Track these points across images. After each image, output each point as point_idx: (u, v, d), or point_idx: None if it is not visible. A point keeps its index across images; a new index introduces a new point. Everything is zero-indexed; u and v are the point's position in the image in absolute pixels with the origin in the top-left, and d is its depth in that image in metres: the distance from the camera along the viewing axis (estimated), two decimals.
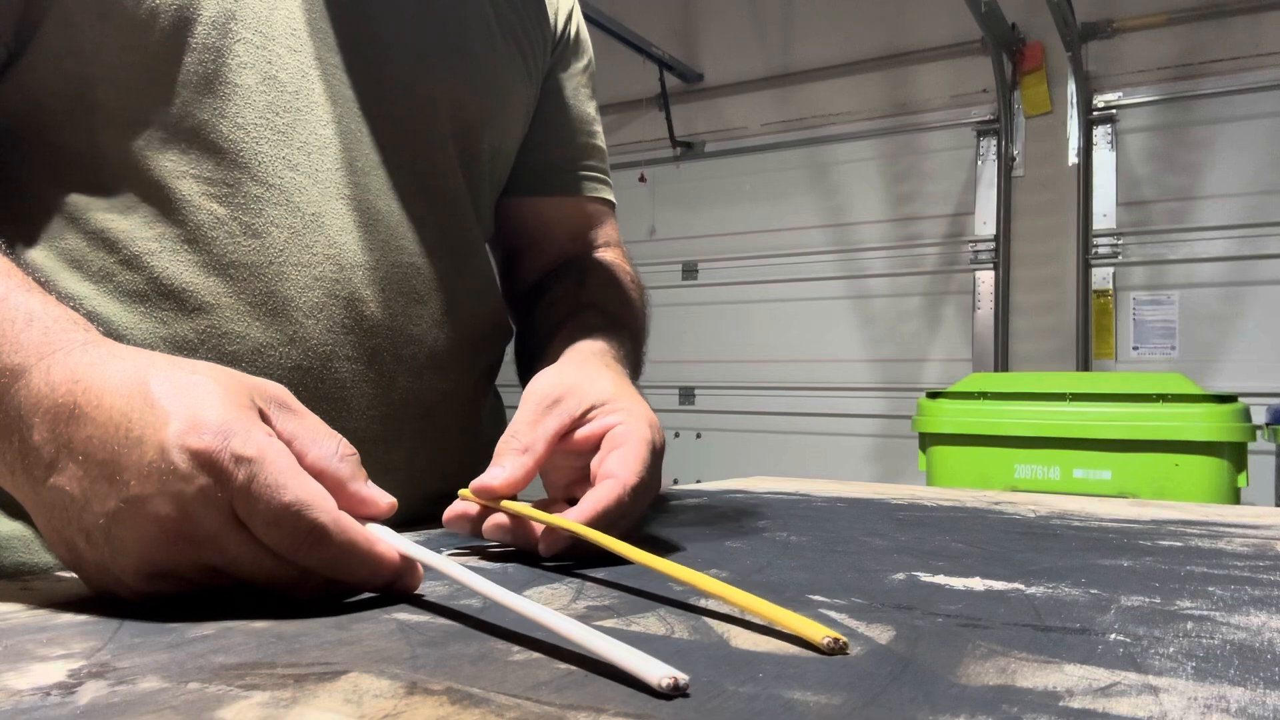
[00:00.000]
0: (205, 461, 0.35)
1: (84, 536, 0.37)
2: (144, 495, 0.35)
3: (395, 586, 0.40)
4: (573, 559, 0.48)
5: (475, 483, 0.49)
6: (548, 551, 0.48)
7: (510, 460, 0.50)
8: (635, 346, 0.73)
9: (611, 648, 0.29)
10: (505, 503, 0.49)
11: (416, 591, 0.41)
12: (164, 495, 0.35)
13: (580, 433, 0.54)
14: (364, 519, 0.41)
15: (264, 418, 0.39)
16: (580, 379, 0.56)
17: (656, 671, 0.27)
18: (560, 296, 0.78)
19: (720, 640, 0.34)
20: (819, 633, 0.32)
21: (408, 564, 0.40)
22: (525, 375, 0.77)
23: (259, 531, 0.36)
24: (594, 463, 0.53)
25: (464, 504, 0.51)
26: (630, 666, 0.28)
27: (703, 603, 0.39)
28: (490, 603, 0.39)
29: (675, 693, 0.27)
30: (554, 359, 0.65)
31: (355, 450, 0.42)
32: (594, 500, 0.48)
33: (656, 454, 0.54)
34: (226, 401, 0.37)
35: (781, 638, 0.34)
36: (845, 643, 0.32)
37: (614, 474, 0.50)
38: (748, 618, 0.36)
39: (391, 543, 0.40)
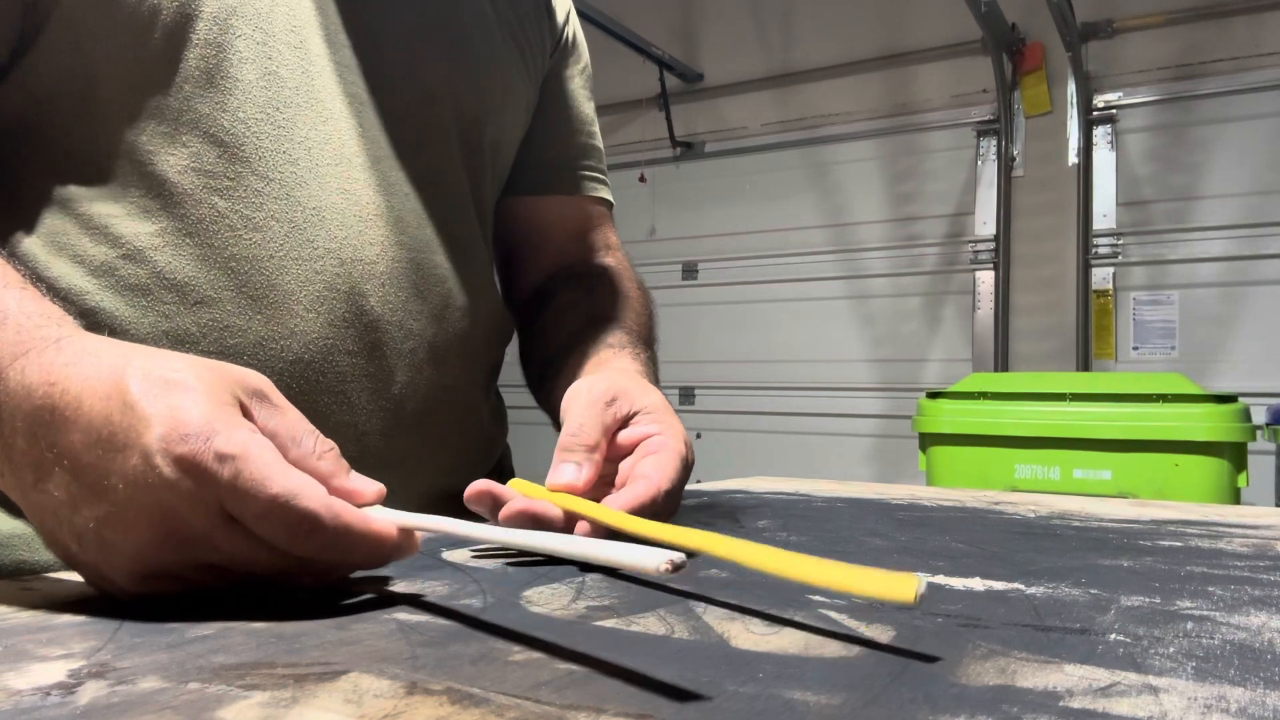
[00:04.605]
0: (189, 466, 0.35)
1: (75, 539, 0.37)
2: (132, 501, 0.35)
3: (394, 558, 0.40)
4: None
5: (556, 483, 0.50)
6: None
7: (585, 458, 0.51)
8: (654, 359, 0.74)
9: (604, 548, 0.31)
10: (553, 494, 0.49)
11: (416, 591, 0.41)
12: (152, 501, 0.35)
13: (622, 435, 0.55)
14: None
15: (245, 412, 0.39)
16: (631, 386, 0.58)
17: (653, 559, 0.28)
18: (570, 304, 0.78)
19: (720, 640, 0.34)
20: (909, 588, 0.30)
21: (405, 536, 0.39)
22: (537, 382, 0.77)
23: (252, 525, 0.36)
24: (624, 464, 0.54)
25: (487, 483, 0.50)
26: (626, 560, 0.30)
27: (703, 602, 0.39)
28: (491, 600, 0.39)
29: (676, 570, 0.28)
30: (575, 370, 0.65)
31: (334, 445, 0.41)
32: (628, 498, 0.49)
33: (687, 468, 0.55)
34: (208, 399, 0.37)
35: (800, 627, 0.34)
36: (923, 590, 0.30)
37: (647, 476, 0.51)
38: (823, 589, 0.35)
39: (387, 518, 0.40)
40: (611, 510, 0.46)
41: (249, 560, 0.37)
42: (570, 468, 0.50)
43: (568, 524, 0.49)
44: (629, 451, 0.55)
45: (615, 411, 0.55)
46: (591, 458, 0.51)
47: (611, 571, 0.46)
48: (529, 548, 0.33)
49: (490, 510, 0.50)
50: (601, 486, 0.54)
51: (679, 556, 0.27)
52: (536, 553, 0.33)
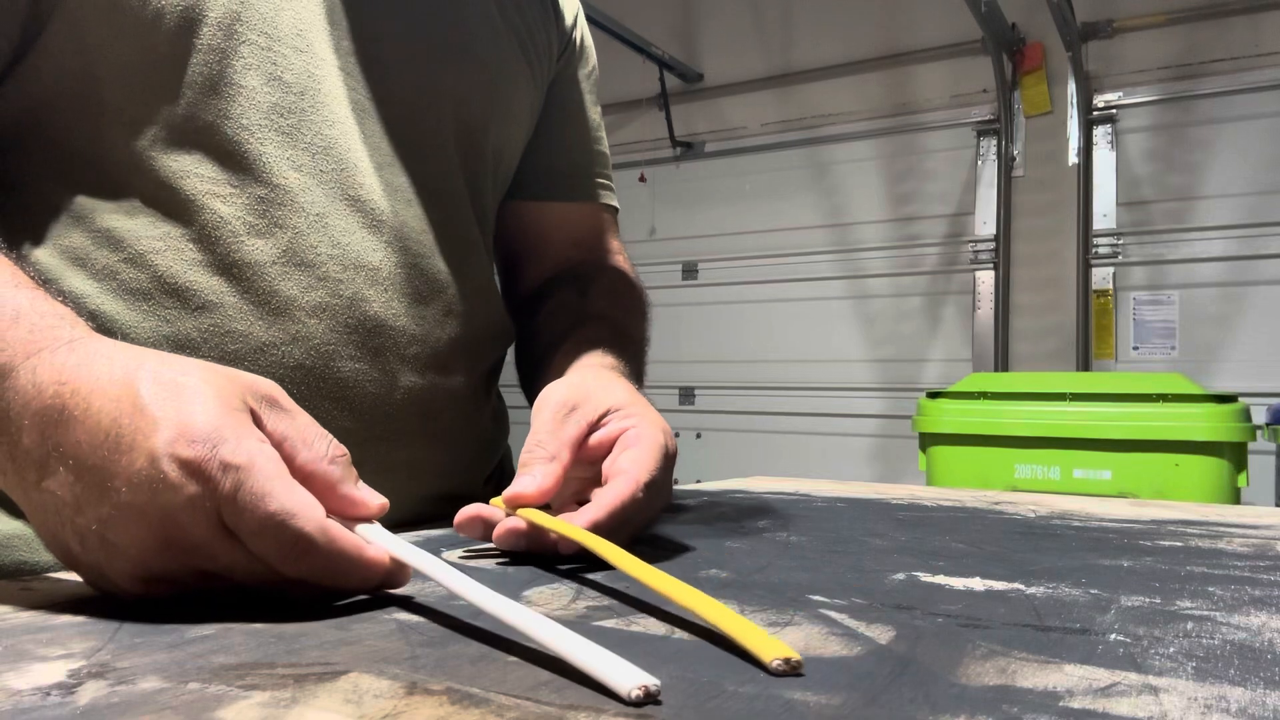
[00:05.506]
0: (194, 471, 0.35)
1: (78, 540, 0.37)
2: (135, 504, 0.35)
3: (386, 586, 0.40)
4: (591, 560, 0.48)
5: (507, 493, 0.49)
6: (567, 550, 0.47)
7: (541, 469, 0.50)
8: (639, 358, 0.73)
9: (582, 653, 0.28)
10: (521, 510, 0.49)
11: (416, 591, 0.41)
12: (154, 504, 0.35)
13: (594, 438, 0.54)
14: (355, 520, 0.41)
15: (256, 418, 0.39)
16: (595, 387, 0.57)
17: (627, 681, 0.26)
18: (562, 305, 0.77)
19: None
20: (773, 651, 0.30)
21: (397, 565, 0.39)
22: (528, 383, 0.77)
23: (246, 540, 0.36)
24: (606, 464, 0.53)
25: (476, 507, 0.51)
26: (600, 674, 0.27)
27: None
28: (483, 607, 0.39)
29: (647, 700, 0.26)
30: (559, 371, 0.65)
31: (346, 451, 0.41)
32: (608, 496, 0.48)
33: (669, 457, 0.54)
34: (217, 405, 0.37)
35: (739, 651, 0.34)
36: (799, 662, 0.29)
37: (626, 470, 0.50)
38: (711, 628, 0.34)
39: (382, 544, 0.39)
40: (570, 525, 0.45)
41: (246, 572, 0.37)
42: (525, 479, 0.49)
43: (535, 535, 0.48)
44: (608, 450, 0.53)
45: (579, 419, 0.53)
46: (549, 468, 0.50)
47: (612, 572, 0.46)
48: (516, 628, 0.31)
49: (483, 534, 0.50)
50: (584, 489, 0.54)
51: (654, 684, 0.26)
52: (522, 636, 0.31)
